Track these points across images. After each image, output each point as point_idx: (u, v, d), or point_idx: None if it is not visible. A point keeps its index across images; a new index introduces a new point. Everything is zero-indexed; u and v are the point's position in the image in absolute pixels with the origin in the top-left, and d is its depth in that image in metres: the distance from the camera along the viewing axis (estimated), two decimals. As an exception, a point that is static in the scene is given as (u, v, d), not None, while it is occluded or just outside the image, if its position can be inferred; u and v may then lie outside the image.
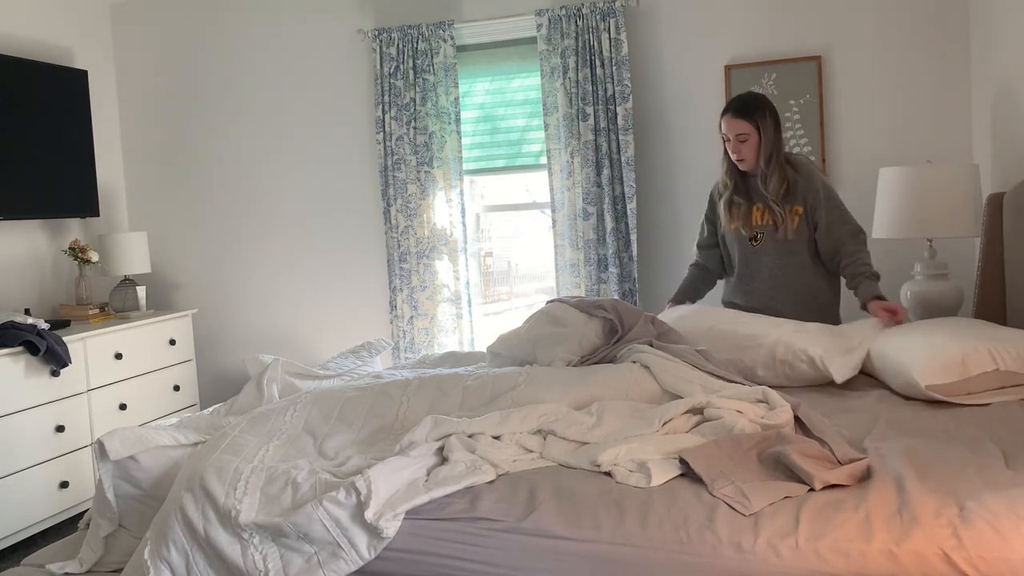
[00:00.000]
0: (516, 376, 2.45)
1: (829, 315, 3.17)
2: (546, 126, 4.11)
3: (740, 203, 3.14)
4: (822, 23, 3.84)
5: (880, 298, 2.94)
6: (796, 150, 3.86)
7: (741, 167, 3.10)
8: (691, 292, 3.42)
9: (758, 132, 3.00)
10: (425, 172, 4.27)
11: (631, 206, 3.93)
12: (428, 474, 1.98)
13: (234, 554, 1.84)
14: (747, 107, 3.01)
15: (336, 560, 1.80)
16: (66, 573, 2.05)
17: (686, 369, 2.44)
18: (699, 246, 3.41)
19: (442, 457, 2.06)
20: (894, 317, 2.84)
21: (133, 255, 4.40)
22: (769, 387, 2.40)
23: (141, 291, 4.41)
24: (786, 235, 3.05)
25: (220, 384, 4.82)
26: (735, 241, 3.21)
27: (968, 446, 1.98)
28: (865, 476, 1.85)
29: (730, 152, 3.09)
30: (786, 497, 1.77)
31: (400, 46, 4.24)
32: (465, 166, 4.33)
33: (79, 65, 4.55)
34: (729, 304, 3.28)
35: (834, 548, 1.61)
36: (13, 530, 3.47)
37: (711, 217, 3.34)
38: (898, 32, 3.76)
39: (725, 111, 3.07)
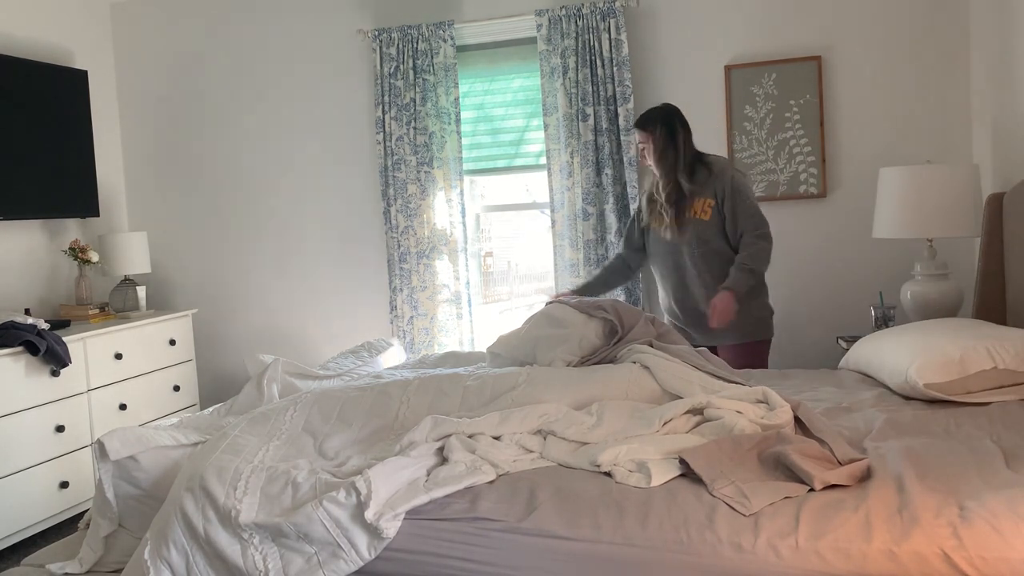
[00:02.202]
0: (516, 376, 2.45)
1: (758, 297, 3.30)
2: (546, 126, 4.11)
3: (657, 199, 3.36)
4: (822, 23, 3.84)
5: (730, 289, 3.11)
6: (796, 150, 3.86)
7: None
8: (600, 286, 3.59)
9: (650, 140, 3.29)
10: (425, 172, 4.27)
11: (633, 206, 3.93)
12: (428, 474, 1.98)
13: (234, 554, 1.84)
14: (642, 119, 3.33)
15: (336, 560, 1.80)
16: (66, 573, 2.05)
17: (686, 369, 2.44)
18: (627, 242, 3.58)
19: (442, 457, 2.06)
20: (714, 312, 3.09)
21: (133, 255, 4.40)
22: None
23: (141, 291, 4.41)
24: (665, 235, 3.31)
25: (220, 384, 4.82)
26: (656, 239, 3.39)
27: (968, 446, 1.98)
28: (865, 476, 1.85)
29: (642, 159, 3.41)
30: (786, 497, 1.77)
31: (400, 46, 4.24)
32: (465, 166, 4.33)
33: (79, 65, 4.55)
34: (669, 298, 3.44)
35: (834, 548, 1.62)
36: (13, 530, 3.47)
37: (635, 220, 3.55)
38: (898, 32, 3.76)
39: None
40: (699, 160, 3.30)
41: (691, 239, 3.26)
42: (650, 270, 4.08)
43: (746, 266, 3.15)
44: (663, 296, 3.48)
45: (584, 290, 3.52)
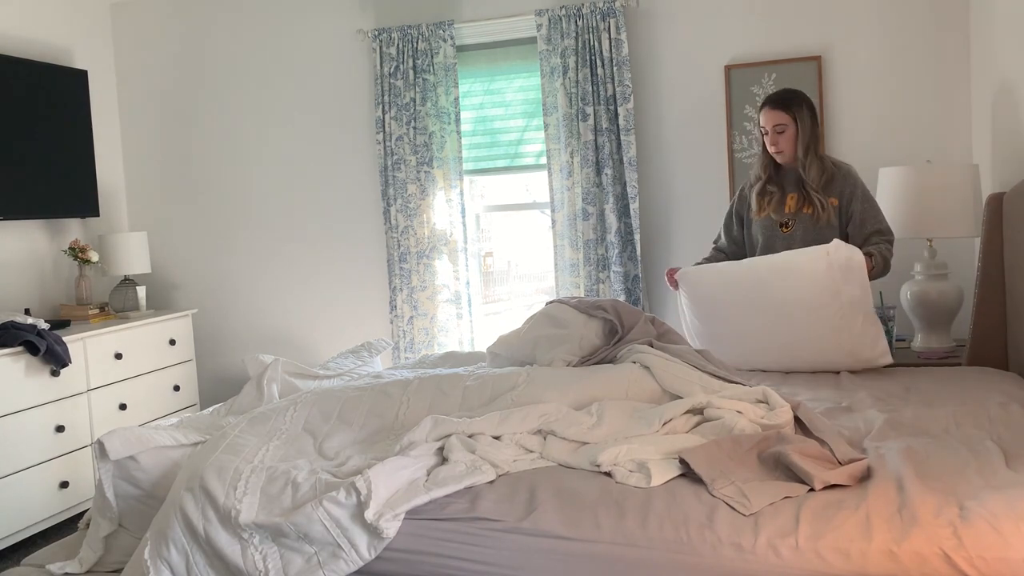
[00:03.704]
0: (516, 376, 2.45)
1: None
2: (546, 126, 4.11)
3: (773, 191, 3.18)
4: (822, 23, 3.84)
5: (869, 255, 2.91)
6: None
7: (779, 159, 3.14)
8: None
9: (795, 123, 3.08)
10: (425, 172, 4.27)
11: (634, 206, 3.93)
12: (428, 474, 1.98)
13: (234, 554, 1.84)
14: (784, 99, 3.11)
15: (336, 560, 1.80)
16: (66, 573, 2.05)
17: (686, 369, 2.44)
18: (719, 244, 3.39)
19: (442, 457, 2.06)
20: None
21: (133, 255, 4.39)
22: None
23: (141, 291, 4.41)
24: (828, 220, 3.08)
25: (220, 384, 4.82)
26: (763, 230, 3.21)
27: (968, 446, 1.98)
28: (865, 476, 1.85)
29: (768, 144, 3.14)
30: (786, 497, 1.77)
31: (400, 46, 4.24)
32: (465, 166, 4.32)
33: (79, 65, 4.55)
34: None
35: (834, 548, 1.62)
36: (13, 530, 3.47)
37: (739, 211, 3.32)
38: (898, 32, 3.76)
39: (764, 104, 3.15)
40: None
41: (808, 236, 3.09)
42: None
43: (885, 252, 2.99)
44: None
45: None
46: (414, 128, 4.26)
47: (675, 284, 3.18)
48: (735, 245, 3.36)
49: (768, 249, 3.20)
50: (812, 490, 1.79)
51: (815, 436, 2.05)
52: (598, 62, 3.96)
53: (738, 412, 2.15)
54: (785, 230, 3.17)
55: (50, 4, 4.41)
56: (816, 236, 3.10)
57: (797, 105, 3.08)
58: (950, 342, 3.39)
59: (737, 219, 3.34)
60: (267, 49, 4.60)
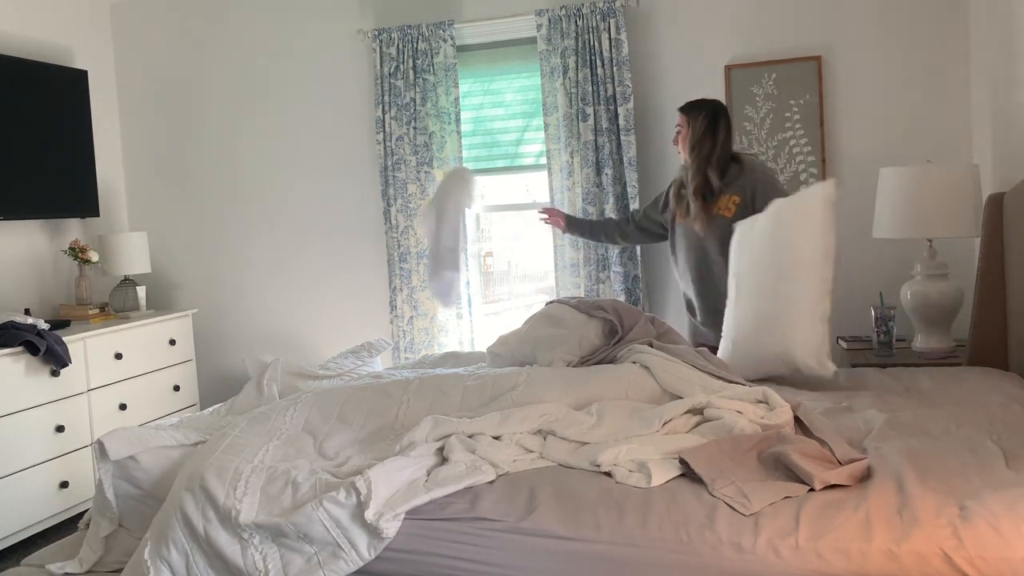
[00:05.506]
0: (516, 376, 2.45)
1: None
2: (546, 126, 4.11)
3: (684, 194, 3.35)
4: (822, 23, 3.84)
5: None
6: (796, 150, 3.86)
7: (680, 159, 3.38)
8: (587, 228, 3.79)
9: (687, 127, 3.28)
10: (425, 172, 4.27)
11: (634, 206, 3.93)
12: (428, 474, 1.98)
13: (234, 554, 1.84)
14: (689, 104, 3.33)
15: (336, 560, 1.80)
16: (66, 573, 2.05)
17: (686, 369, 2.44)
18: (644, 215, 3.62)
19: (442, 457, 2.06)
20: None
21: (133, 255, 4.40)
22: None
23: (141, 291, 4.41)
24: (694, 227, 3.27)
25: (220, 384, 4.82)
26: (684, 232, 3.38)
27: (968, 446, 1.98)
28: (865, 476, 1.85)
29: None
30: (786, 497, 1.77)
31: (400, 46, 4.24)
32: (465, 166, 4.32)
33: (79, 65, 4.55)
34: (691, 293, 3.43)
35: (834, 548, 1.62)
36: (13, 530, 3.47)
37: (662, 201, 3.52)
38: (898, 32, 3.76)
39: None
40: (734, 160, 3.28)
41: (716, 235, 3.22)
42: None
43: None
44: (683, 291, 3.47)
45: (574, 223, 3.79)
46: (414, 128, 4.26)
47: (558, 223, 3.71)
48: (649, 222, 3.58)
49: (672, 248, 3.45)
50: (812, 490, 1.79)
51: (815, 436, 2.05)
52: (598, 62, 3.96)
53: (738, 412, 2.15)
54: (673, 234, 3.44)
55: (50, 4, 4.41)
56: (695, 240, 3.29)
57: (696, 109, 3.27)
58: (950, 342, 3.39)
59: (663, 205, 3.50)
60: (267, 49, 4.60)
